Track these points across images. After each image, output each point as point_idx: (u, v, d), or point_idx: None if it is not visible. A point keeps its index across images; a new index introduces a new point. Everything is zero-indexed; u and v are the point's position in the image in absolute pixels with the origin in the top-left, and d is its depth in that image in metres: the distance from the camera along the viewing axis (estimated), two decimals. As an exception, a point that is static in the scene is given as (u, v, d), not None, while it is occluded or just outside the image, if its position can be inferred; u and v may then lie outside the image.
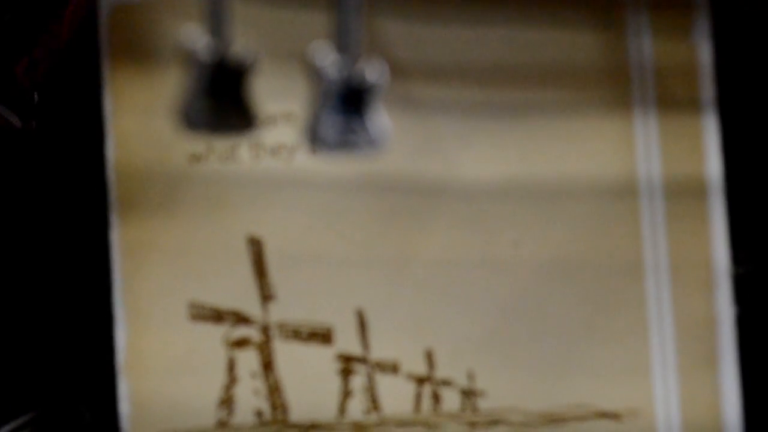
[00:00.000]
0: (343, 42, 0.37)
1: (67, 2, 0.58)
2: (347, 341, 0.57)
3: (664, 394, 0.56)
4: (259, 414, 0.57)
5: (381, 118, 0.38)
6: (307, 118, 0.37)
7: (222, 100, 0.37)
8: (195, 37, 0.36)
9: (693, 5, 0.57)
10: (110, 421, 0.58)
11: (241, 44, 0.37)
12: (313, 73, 0.37)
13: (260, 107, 0.57)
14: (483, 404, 0.57)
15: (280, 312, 0.57)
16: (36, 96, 0.59)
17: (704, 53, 0.57)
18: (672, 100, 0.57)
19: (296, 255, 0.57)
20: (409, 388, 0.57)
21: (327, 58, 0.37)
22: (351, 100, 0.37)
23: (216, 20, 0.36)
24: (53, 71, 0.59)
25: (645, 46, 0.57)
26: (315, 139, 0.37)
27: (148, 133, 0.57)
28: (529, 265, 0.56)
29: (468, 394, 0.57)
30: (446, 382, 0.57)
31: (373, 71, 0.37)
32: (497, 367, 0.56)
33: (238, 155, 0.57)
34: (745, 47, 0.58)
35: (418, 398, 0.57)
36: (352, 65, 0.37)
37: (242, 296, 0.57)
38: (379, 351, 0.57)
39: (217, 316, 0.57)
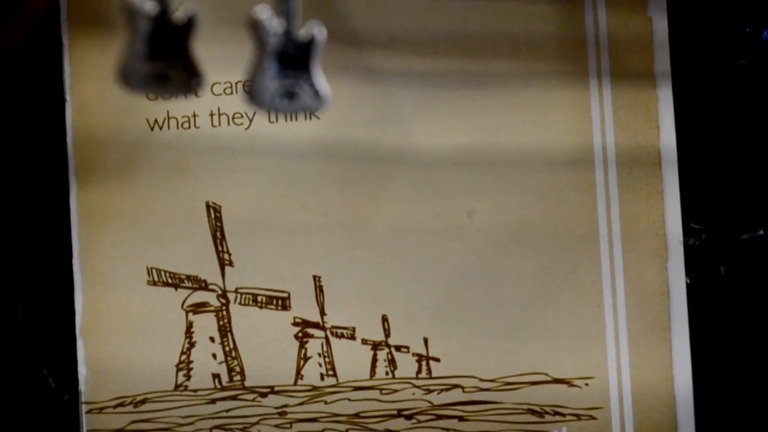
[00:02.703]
0: (284, 3, 0.37)
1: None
2: (304, 307, 0.57)
3: (617, 361, 0.57)
4: (216, 378, 0.58)
5: (321, 79, 0.38)
6: (248, 77, 0.38)
7: (164, 59, 0.37)
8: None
9: (648, -22, 0.57)
10: (69, 384, 0.59)
11: (186, 5, 0.38)
12: (255, 33, 0.38)
13: (218, 77, 0.57)
14: (438, 370, 0.57)
15: (238, 278, 0.58)
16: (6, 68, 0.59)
17: (659, 26, 0.57)
18: (627, 71, 0.57)
19: (254, 221, 0.57)
20: (365, 354, 0.58)
21: (268, 18, 0.37)
22: (291, 60, 0.38)
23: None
24: (14, 36, 0.59)
25: (601, 18, 0.57)
26: (256, 97, 0.38)
27: (107, 100, 0.58)
28: (484, 233, 0.57)
29: (423, 360, 0.57)
30: (402, 348, 0.57)
31: (312, 31, 0.38)
32: (452, 334, 0.57)
33: (197, 122, 0.58)
34: (699, 20, 0.59)
35: (373, 364, 0.58)
36: (293, 26, 0.38)
37: (201, 262, 0.58)
38: (335, 317, 0.58)
39: (175, 281, 0.58)
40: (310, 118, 0.57)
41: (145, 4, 0.37)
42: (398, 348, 0.57)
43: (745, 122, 0.59)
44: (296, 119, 0.57)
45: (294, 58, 0.37)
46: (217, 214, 0.57)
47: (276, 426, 0.57)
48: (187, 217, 0.57)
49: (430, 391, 0.57)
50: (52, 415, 0.60)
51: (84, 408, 0.57)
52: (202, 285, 0.58)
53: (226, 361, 0.58)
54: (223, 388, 0.58)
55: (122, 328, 0.57)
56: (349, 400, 0.57)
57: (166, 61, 0.37)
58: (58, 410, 0.60)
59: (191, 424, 0.58)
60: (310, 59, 0.38)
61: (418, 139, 0.57)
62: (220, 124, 0.58)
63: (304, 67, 0.38)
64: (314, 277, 0.57)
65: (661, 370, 0.57)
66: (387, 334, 0.57)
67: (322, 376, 0.57)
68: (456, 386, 0.57)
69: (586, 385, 0.57)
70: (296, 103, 0.38)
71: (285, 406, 0.57)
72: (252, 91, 0.37)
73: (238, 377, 0.58)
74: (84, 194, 0.57)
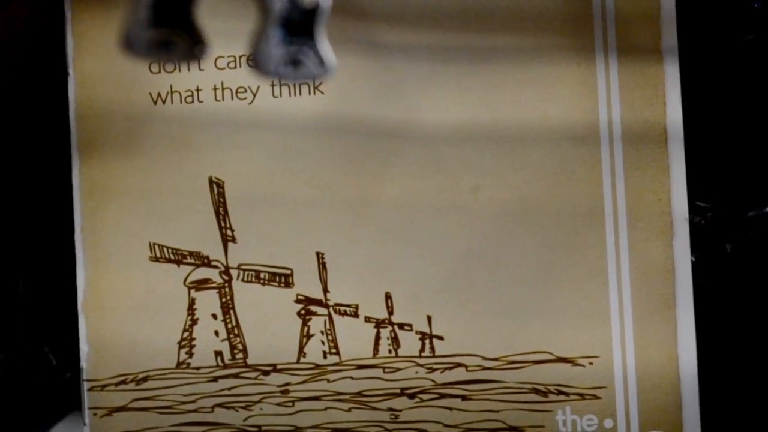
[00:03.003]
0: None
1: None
2: (307, 284, 0.57)
3: (621, 340, 0.56)
4: (219, 356, 0.57)
5: (327, 46, 0.38)
6: (252, 44, 0.37)
7: (167, 25, 0.37)
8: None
9: (656, -47, 0.57)
10: (70, 361, 0.59)
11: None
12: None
13: (222, 51, 0.57)
14: (441, 348, 0.57)
15: (241, 254, 0.57)
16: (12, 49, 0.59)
17: (666, 0, 0.57)
18: (634, 47, 0.57)
19: (258, 197, 0.57)
20: (368, 332, 0.57)
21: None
22: (296, 27, 0.37)
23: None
24: (16, 9, 0.59)
25: (607, -7, 0.57)
26: (260, 65, 0.37)
27: (110, 74, 0.57)
28: (489, 210, 0.57)
29: (426, 338, 0.57)
30: (405, 326, 0.57)
31: (318, -3, 0.37)
32: (456, 312, 0.57)
33: (200, 96, 0.57)
34: (706, -5, 0.59)
35: (377, 342, 0.57)
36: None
37: (203, 238, 0.57)
38: (338, 294, 0.57)
39: (178, 257, 0.57)
40: (314, 92, 0.57)
41: (148, -30, 0.36)
42: (401, 326, 0.57)
43: (752, 99, 0.59)
44: (300, 94, 0.57)
45: (299, 25, 0.37)
46: (220, 190, 0.57)
47: (278, 404, 0.57)
48: (190, 193, 0.57)
49: (434, 370, 0.57)
50: (54, 392, 0.60)
51: (86, 385, 0.57)
52: (204, 261, 0.57)
53: (229, 338, 0.57)
54: (225, 366, 0.57)
55: (124, 305, 0.57)
56: (352, 378, 0.57)
57: (169, 27, 0.37)
58: (59, 388, 0.60)
59: (193, 402, 0.57)
60: (315, 26, 0.37)
61: (423, 114, 0.57)
62: (223, 99, 0.57)
63: (309, 34, 0.37)
64: (317, 253, 0.57)
65: (666, 349, 0.56)
66: (390, 312, 0.57)
67: (324, 354, 0.57)
68: (459, 365, 0.57)
69: (591, 364, 0.57)
70: (301, 71, 0.37)
71: (287, 384, 0.57)
72: (256, 59, 0.37)
73: (240, 355, 0.57)
74: (87, 169, 0.57)
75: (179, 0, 0.37)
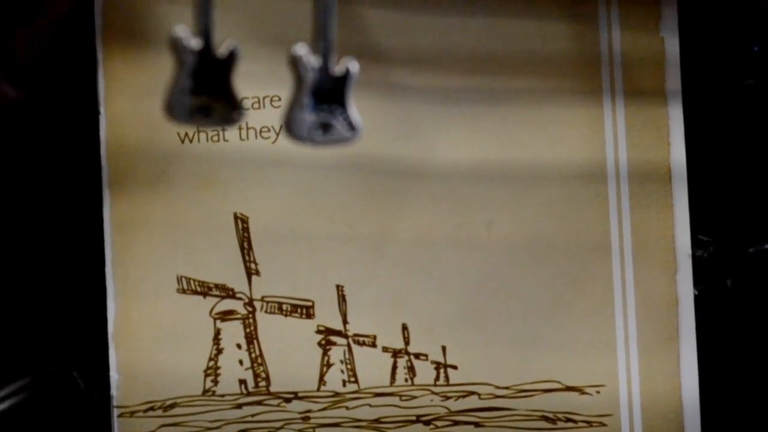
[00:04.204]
0: (321, 35, 0.39)
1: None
2: (327, 315, 0.59)
3: (627, 370, 0.59)
4: (243, 384, 0.60)
5: (355, 112, 0.40)
6: (286, 110, 0.40)
7: (207, 93, 0.39)
8: (181, 31, 0.39)
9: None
10: (101, 389, 0.60)
11: (227, 34, 0.40)
12: (294, 69, 0.40)
13: (246, 92, 0.59)
14: (455, 377, 0.59)
15: (264, 286, 0.59)
16: (33, 69, 0.61)
17: (671, 45, 0.59)
18: (639, 90, 0.59)
19: (281, 232, 0.59)
20: (386, 361, 0.59)
21: (306, 55, 0.39)
22: (327, 94, 0.40)
23: (202, 11, 0.39)
24: (49, 50, 0.61)
25: (615, 37, 0.59)
26: (293, 130, 0.40)
27: (140, 113, 0.59)
28: (502, 245, 0.59)
29: (441, 367, 0.59)
30: (421, 356, 0.59)
31: (347, 66, 0.40)
32: (469, 342, 0.59)
33: (226, 136, 0.59)
34: (709, 41, 0.60)
35: (393, 371, 0.59)
36: (329, 61, 0.39)
37: (228, 271, 0.59)
38: (357, 325, 0.59)
39: (204, 289, 0.59)
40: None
41: (190, 40, 0.39)
42: (417, 356, 0.59)
43: (752, 139, 0.60)
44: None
45: (330, 92, 0.39)
46: (245, 225, 0.59)
47: (299, 430, 0.59)
48: (216, 228, 0.59)
49: (448, 398, 0.59)
50: (82, 415, 0.62)
51: (116, 412, 0.59)
52: (229, 293, 0.59)
53: (252, 367, 0.59)
54: (249, 394, 0.59)
55: (153, 335, 0.59)
56: (370, 405, 0.59)
57: (209, 95, 0.39)
58: (87, 411, 0.62)
59: (218, 428, 0.59)
60: (345, 93, 0.40)
61: (439, 153, 0.59)
62: (248, 138, 0.59)
63: (340, 101, 0.40)
64: (337, 286, 0.59)
65: (670, 379, 0.59)
66: (407, 342, 0.59)
67: (344, 383, 0.59)
68: (472, 393, 0.59)
69: (597, 392, 0.59)
70: (331, 135, 0.40)
71: (308, 411, 0.59)
72: (290, 125, 0.39)
73: (263, 383, 0.59)
74: (117, 205, 0.59)
75: (218, 69, 0.39)
